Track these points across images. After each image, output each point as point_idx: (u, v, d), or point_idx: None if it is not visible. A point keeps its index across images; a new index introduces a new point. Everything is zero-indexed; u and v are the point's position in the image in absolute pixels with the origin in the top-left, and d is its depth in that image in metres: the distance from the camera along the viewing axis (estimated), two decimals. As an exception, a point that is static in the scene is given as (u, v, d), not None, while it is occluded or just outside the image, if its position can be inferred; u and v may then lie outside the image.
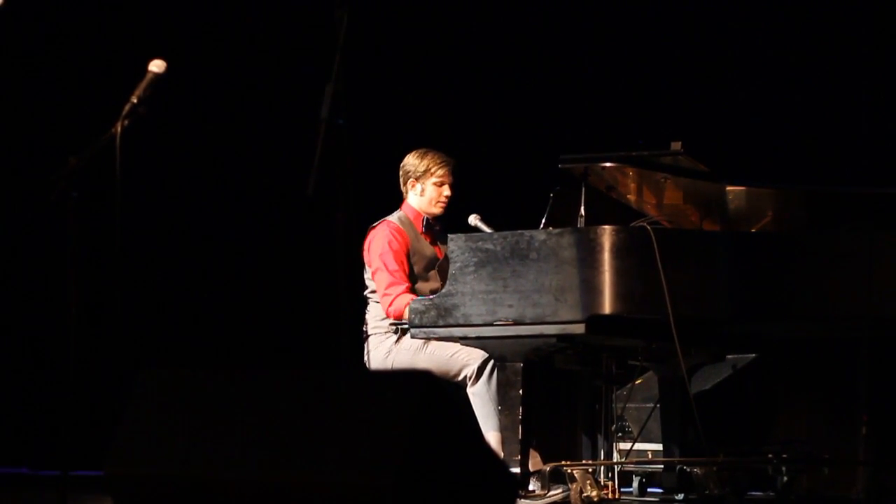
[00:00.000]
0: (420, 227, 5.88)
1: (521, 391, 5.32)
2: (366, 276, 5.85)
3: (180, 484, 3.48)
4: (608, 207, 5.68)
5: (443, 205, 5.89)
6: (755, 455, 6.08)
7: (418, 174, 5.87)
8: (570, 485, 5.27)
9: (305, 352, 7.50)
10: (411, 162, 5.90)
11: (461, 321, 5.27)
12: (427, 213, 5.89)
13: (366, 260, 5.85)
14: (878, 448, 5.83)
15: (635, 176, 5.61)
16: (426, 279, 5.80)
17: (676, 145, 5.39)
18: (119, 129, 4.23)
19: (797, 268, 5.32)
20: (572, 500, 5.23)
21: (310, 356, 7.45)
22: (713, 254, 5.30)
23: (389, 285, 5.69)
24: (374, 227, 5.86)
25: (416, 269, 5.80)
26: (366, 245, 5.85)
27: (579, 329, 5.12)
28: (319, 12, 5.09)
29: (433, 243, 5.89)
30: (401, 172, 5.94)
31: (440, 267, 5.71)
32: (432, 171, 5.86)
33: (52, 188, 4.28)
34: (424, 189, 5.88)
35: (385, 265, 5.72)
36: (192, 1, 8.08)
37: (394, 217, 5.88)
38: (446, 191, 5.88)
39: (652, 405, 6.01)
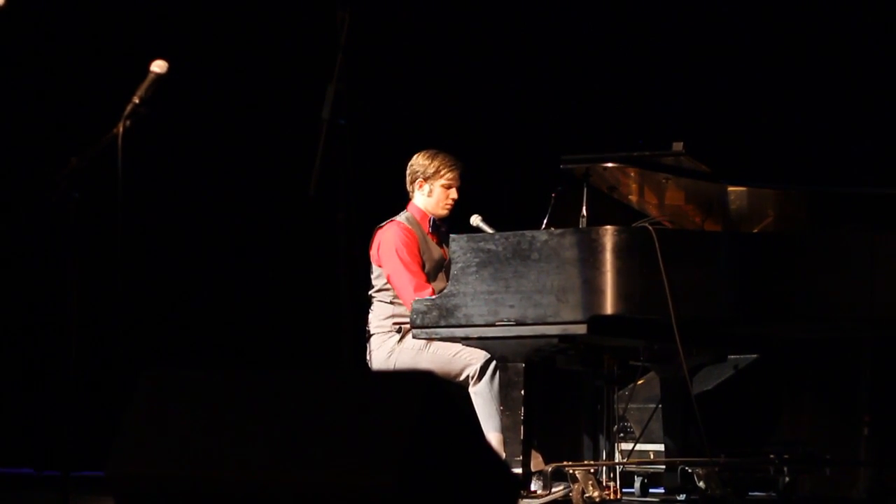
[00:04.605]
0: (427, 228, 5.86)
1: (522, 391, 5.32)
2: (372, 275, 5.83)
3: (182, 484, 3.48)
4: (610, 208, 5.68)
5: (449, 207, 5.87)
6: (757, 456, 6.08)
7: (427, 174, 5.85)
8: (571, 485, 5.27)
9: (307, 352, 7.49)
10: (421, 162, 5.88)
11: (463, 321, 5.27)
12: (432, 215, 5.88)
13: (374, 260, 5.82)
14: (880, 449, 5.84)
15: (637, 176, 5.61)
16: (434, 280, 5.77)
17: (678, 146, 5.39)
18: (121, 129, 4.23)
19: (799, 268, 5.32)
20: (574, 501, 5.23)
21: (311, 356, 7.45)
22: (715, 254, 5.30)
23: (418, 288, 5.66)
24: (381, 227, 5.84)
25: (424, 269, 5.78)
26: (374, 245, 5.83)
27: (581, 329, 5.12)
28: (321, 12, 5.09)
29: (440, 244, 5.88)
30: (408, 171, 5.91)
31: (446, 268, 5.70)
32: (442, 173, 5.84)
33: (54, 189, 4.28)
34: (432, 190, 5.86)
35: (405, 266, 5.69)
36: (194, 1, 8.08)
37: (402, 217, 5.85)
38: (454, 194, 5.86)
39: (654, 406, 6.01)
